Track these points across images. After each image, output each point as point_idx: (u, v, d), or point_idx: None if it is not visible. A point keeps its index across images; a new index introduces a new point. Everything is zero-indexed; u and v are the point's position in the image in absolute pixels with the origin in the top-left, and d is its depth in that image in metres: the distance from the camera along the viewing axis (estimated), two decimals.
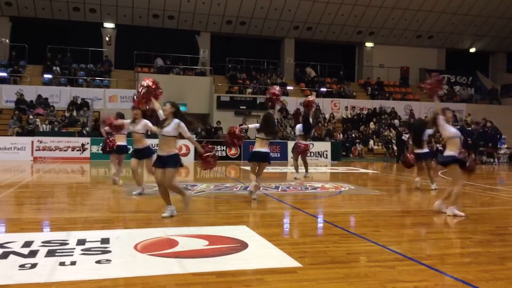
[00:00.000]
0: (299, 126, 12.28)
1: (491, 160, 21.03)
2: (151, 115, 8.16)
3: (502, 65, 32.37)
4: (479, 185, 11.49)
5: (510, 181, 14.04)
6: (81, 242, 4.74)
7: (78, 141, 18.36)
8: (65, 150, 18.03)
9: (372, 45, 29.93)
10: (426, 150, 10.22)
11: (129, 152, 10.18)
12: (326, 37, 28.66)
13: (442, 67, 31.00)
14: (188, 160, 18.94)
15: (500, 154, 22.05)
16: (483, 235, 5.65)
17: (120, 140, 9.82)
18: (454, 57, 31.30)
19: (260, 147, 8.11)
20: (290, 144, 19.83)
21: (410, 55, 29.77)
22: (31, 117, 19.80)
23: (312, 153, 20.48)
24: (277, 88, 8.95)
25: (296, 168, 12.32)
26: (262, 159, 8.14)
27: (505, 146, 23.13)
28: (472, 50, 31.51)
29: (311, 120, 12.25)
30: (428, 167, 10.23)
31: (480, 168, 18.36)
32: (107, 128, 9.77)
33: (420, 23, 28.04)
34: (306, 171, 12.53)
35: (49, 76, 23.19)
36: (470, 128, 21.77)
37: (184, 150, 19.30)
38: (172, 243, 4.79)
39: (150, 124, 8.00)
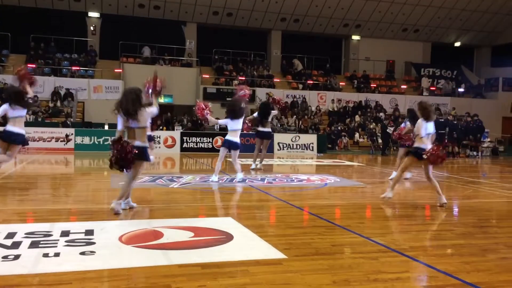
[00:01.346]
0: (255, 115, 12.06)
1: (474, 153, 21.33)
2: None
3: (487, 59, 32.75)
4: (462, 178, 11.65)
5: (492, 174, 14.25)
6: (65, 233, 4.70)
7: (62, 131, 18.17)
8: (49, 141, 17.84)
9: (359, 38, 30.03)
10: None
11: None
12: (313, 30, 28.67)
13: (427, 60, 31.26)
14: (174, 151, 18.90)
15: (483, 147, 22.37)
16: (465, 227, 5.74)
17: None
18: (440, 51, 31.57)
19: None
20: (276, 137, 19.89)
21: (396, 49, 29.96)
22: None
23: (298, 145, 20.56)
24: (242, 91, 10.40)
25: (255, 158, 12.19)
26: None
27: (488, 139, 23.47)
28: (457, 44, 31.80)
29: (275, 108, 12.09)
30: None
31: (464, 162, 18.61)
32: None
33: (406, 16, 28.19)
34: (260, 161, 12.23)
35: (33, 65, 22.84)
36: (455, 122, 22.04)
37: (170, 142, 19.24)
38: (157, 234, 4.78)
39: None
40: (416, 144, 7.23)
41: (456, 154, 20.73)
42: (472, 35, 30.84)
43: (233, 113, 9.25)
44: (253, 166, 12.00)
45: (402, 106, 26.26)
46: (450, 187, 10.02)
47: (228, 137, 9.33)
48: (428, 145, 7.07)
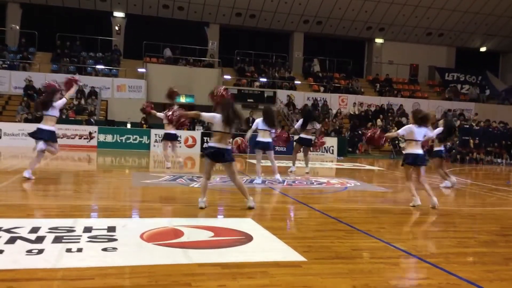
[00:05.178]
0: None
1: (499, 160, 20.93)
2: None
3: None
4: (485, 185, 11.46)
5: None
6: (87, 229, 4.77)
7: (85, 129, 18.46)
8: (72, 138, 18.15)
9: (382, 41, 29.80)
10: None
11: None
12: (336, 32, 28.55)
13: (451, 65, 30.84)
14: (195, 151, 19.00)
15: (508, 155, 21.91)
16: (488, 235, 5.64)
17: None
18: (464, 56, 31.12)
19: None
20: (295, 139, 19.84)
21: (419, 53, 29.63)
22: None
23: (318, 148, 20.44)
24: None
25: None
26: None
27: None
28: (483, 49, 31.29)
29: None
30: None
31: (488, 169, 18.28)
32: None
33: (431, 20, 27.87)
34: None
35: (58, 64, 23.26)
36: (477, 128, 21.67)
37: (190, 141, 19.36)
38: (178, 233, 4.81)
39: None
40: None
41: (480, 161, 20.39)
42: (498, 40, 30.30)
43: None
44: (292, 169, 12.03)
45: (424, 110, 25.91)
46: (473, 194, 9.88)
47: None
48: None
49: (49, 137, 8.54)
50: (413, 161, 7.29)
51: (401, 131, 7.48)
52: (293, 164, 12.14)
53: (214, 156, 6.25)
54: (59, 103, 8.69)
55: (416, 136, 7.27)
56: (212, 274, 3.62)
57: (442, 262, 4.22)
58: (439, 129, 9.90)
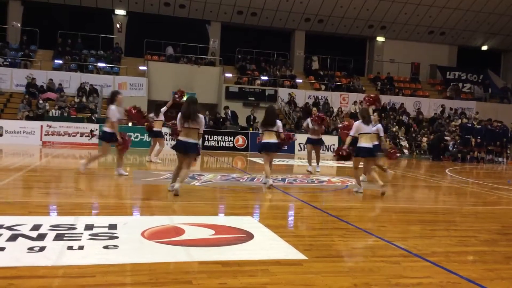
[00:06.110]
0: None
1: (500, 159, 20.92)
2: None
3: None
4: (486, 184, 11.45)
5: None
6: (89, 227, 4.77)
7: (87, 127, 18.48)
8: (74, 136, 18.18)
9: (383, 40, 29.76)
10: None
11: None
12: (337, 31, 28.52)
13: (453, 64, 30.79)
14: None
15: (508, 153, 21.92)
16: (489, 234, 5.64)
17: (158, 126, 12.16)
18: (466, 54, 31.07)
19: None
20: (297, 138, 19.81)
21: (421, 51, 29.59)
22: (40, 101, 19.91)
23: None
24: None
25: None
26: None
27: None
28: (484, 48, 31.24)
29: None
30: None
31: (488, 168, 18.27)
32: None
33: (432, 19, 27.82)
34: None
35: (60, 61, 23.27)
36: (479, 127, 21.66)
37: None
38: (179, 231, 4.82)
39: None
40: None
41: (481, 160, 20.38)
42: (500, 39, 30.25)
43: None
44: (308, 169, 12.02)
45: (426, 109, 25.94)
46: (474, 193, 9.88)
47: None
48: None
49: (102, 138, 9.36)
50: (367, 154, 8.19)
51: (351, 132, 8.36)
52: (309, 163, 12.06)
53: (184, 149, 7.07)
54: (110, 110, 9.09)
55: (365, 130, 8.17)
56: (213, 272, 3.62)
57: (442, 261, 4.23)
58: (378, 126, 10.14)
